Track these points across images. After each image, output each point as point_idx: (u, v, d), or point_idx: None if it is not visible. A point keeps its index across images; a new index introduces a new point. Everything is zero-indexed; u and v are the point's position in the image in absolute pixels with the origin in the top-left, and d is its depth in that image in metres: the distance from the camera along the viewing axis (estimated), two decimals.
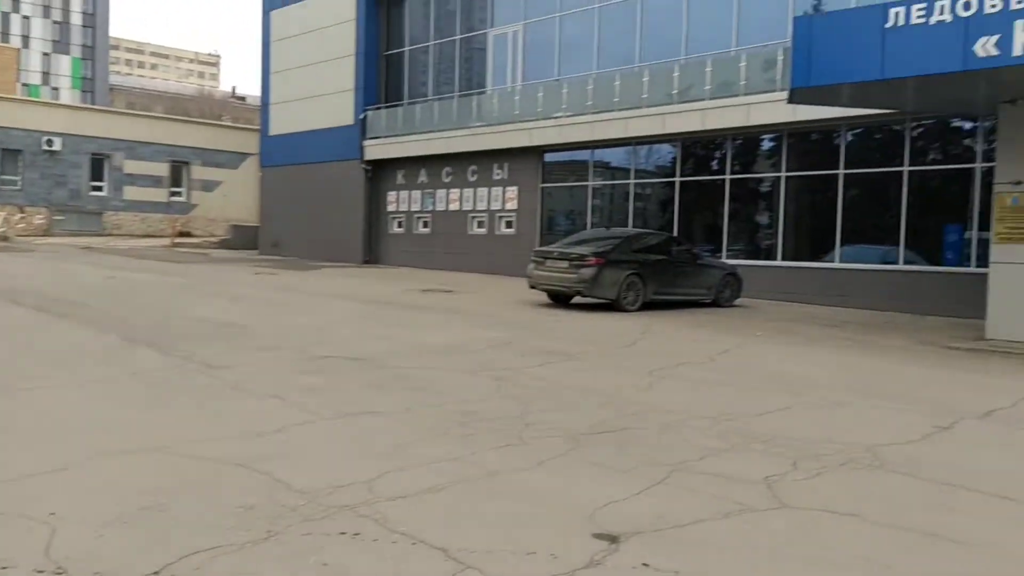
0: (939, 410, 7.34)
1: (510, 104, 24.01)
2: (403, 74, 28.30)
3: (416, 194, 27.31)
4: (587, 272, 14.59)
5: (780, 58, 17.44)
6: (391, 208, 28.18)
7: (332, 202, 28.90)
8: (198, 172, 41.70)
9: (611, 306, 14.83)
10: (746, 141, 19.53)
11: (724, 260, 18.54)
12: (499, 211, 24.64)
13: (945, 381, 9.23)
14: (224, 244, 35.74)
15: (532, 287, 15.63)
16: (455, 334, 11.40)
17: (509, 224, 24.44)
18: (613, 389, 7.83)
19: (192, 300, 14.73)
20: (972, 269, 15.37)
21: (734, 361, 9.93)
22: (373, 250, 28.51)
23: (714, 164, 20.21)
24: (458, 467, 5.07)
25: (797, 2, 17.95)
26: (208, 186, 41.84)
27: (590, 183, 22.79)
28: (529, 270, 15.65)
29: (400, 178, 27.79)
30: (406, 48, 28.13)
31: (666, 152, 21.18)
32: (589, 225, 22.35)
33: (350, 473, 4.82)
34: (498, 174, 24.65)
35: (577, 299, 15.46)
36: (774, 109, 16.98)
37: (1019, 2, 9.81)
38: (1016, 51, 9.86)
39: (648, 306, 15.12)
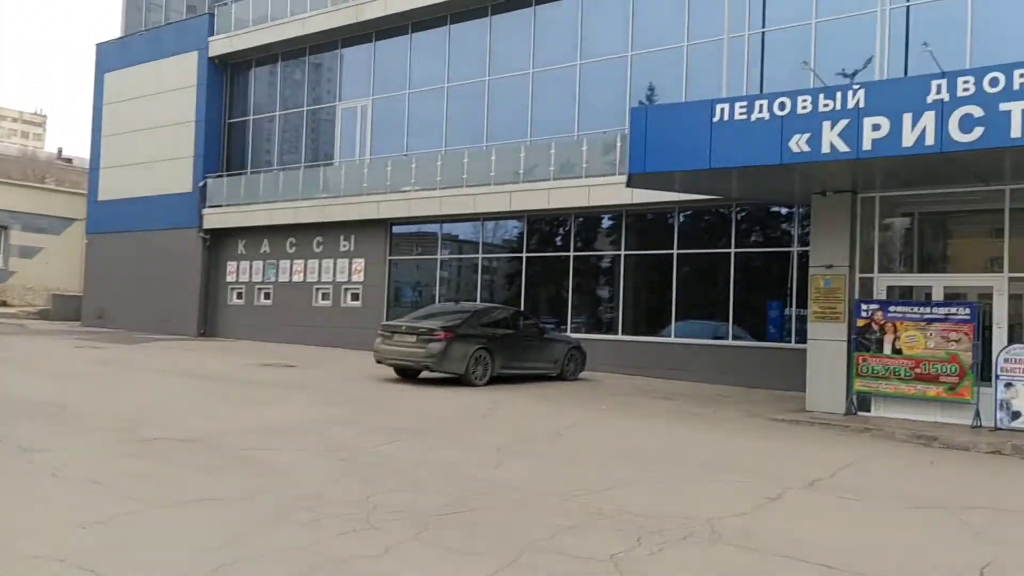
0: (768, 481, 7.75)
1: (358, 176, 23.98)
2: (247, 142, 27.74)
3: (258, 264, 26.53)
4: (436, 346, 14.56)
5: (619, 144, 18.47)
6: (230, 278, 27.18)
7: (166, 271, 27.55)
8: (17, 237, 38.74)
9: (459, 380, 14.83)
10: (588, 219, 20.37)
11: (568, 334, 19.04)
12: (345, 283, 24.30)
13: (772, 453, 9.77)
14: (43, 315, 33.18)
15: (379, 361, 15.40)
16: (298, 412, 11.01)
17: (355, 296, 24.14)
18: (462, 467, 7.77)
19: (5, 375, 13.50)
20: (792, 345, 16.53)
21: (580, 435, 10.12)
22: (209, 322, 27.29)
23: (558, 240, 20.90)
24: (303, 557, 4.84)
25: (633, 92, 19.11)
26: (27, 252, 38.88)
27: (438, 256, 22.96)
28: (376, 344, 15.45)
29: (241, 248, 26.95)
30: (250, 116, 27.65)
31: (513, 227, 21.73)
32: (437, 298, 22.44)
33: (182, 568, 4.49)
34: (345, 245, 24.40)
35: (425, 373, 15.37)
36: (614, 191, 17.85)
37: (826, 105, 10.89)
38: (824, 148, 10.89)
39: (496, 380, 15.23)
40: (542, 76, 20.70)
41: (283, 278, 25.81)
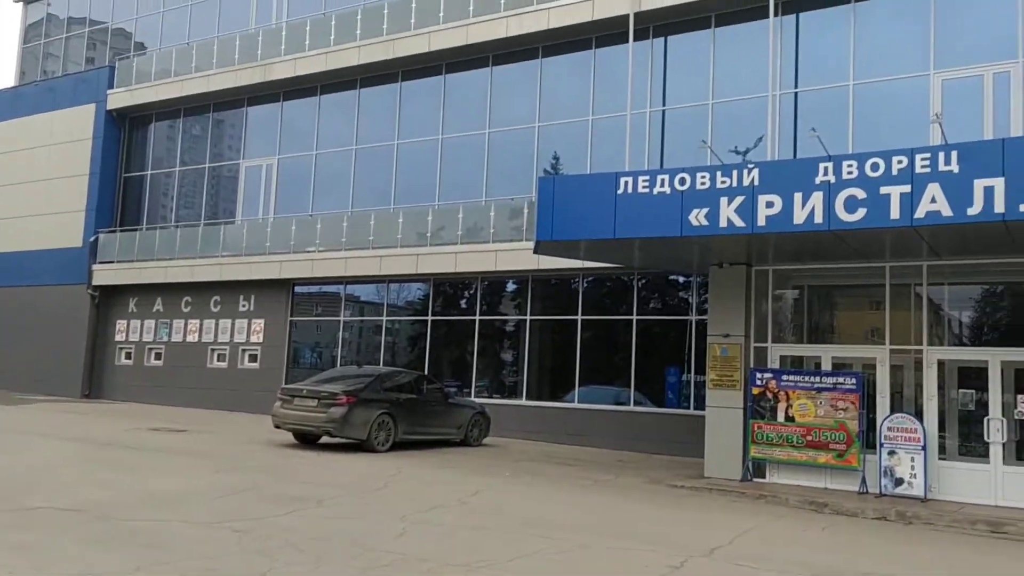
0: (671, 550, 7.83)
1: (261, 235, 23.54)
2: (143, 198, 26.90)
3: (150, 323, 25.50)
4: (337, 411, 14.24)
5: (526, 210, 18.81)
6: (120, 337, 25.99)
7: (51, 329, 26.13)
8: None
9: (361, 446, 14.51)
10: (494, 284, 20.53)
11: (473, 398, 18.96)
12: (243, 344, 23.60)
13: (674, 520, 9.90)
14: None
15: (277, 426, 14.93)
16: (190, 480, 10.52)
17: (253, 358, 23.44)
18: (365, 537, 7.56)
19: None
20: (690, 411, 16.92)
21: (485, 503, 10.01)
22: (95, 383, 25.93)
23: (464, 304, 20.95)
24: None
25: (540, 161, 19.56)
26: None
27: (341, 318, 22.63)
28: (275, 408, 14.99)
29: (133, 306, 25.88)
30: (148, 171, 26.89)
31: (418, 290, 21.67)
32: (339, 360, 22.05)
33: None
34: (244, 305, 23.77)
35: (325, 439, 14.98)
36: (520, 256, 18.08)
37: (723, 182, 11.42)
38: (722, 223, 11.38)
39: (399, 446, 14.97)
40: (451, 142, 20.99)
41: (176, 338, 24.86)
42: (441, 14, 20.73)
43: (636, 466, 14.91)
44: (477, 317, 20.36)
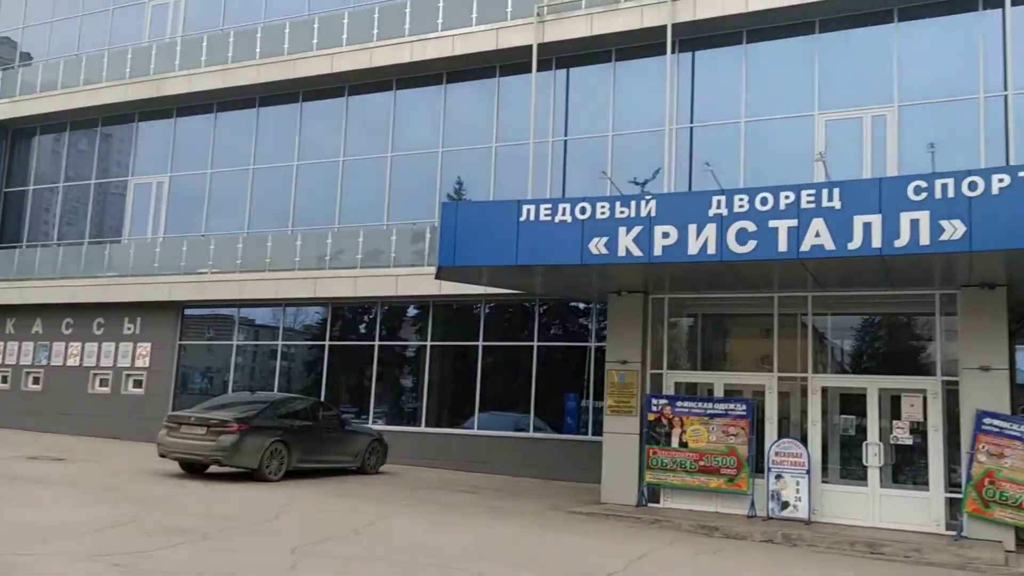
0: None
1: (149, 256, 22.62)
2: (24, 214, 25.50)
3: (28, 346, 24.07)
4: (227, 439, 13.73)
5: (428, 235, 18.74)
6: None
7: None
8: None
9: (252, 476, 14.02)
10: (394, 309, 20.31)
11: (371, 426, 18.65)
12: (127, 368, 22.54)
13: (572, 546, 9.93)
14: None
15: (163, 455, 14.27)
16: (68, 511, 9.91)
17: (138, 383, 22.42)
18: (253, 571, 7.27)
19: None
20: (588, 437, 17.10)
21: (380, 533, 9.81)
22: None
23: (363, 329, 20.63)
24: None
25: (444, 186, 19.55)
26: None
27: (234, 342, 21.92)
28: (160, 436, 14.34)
29: (10, 327, 24.39)
30: (30, 187, 25.54)
31: (316, 314, 21.23)
32: (231, 386, 21.32)
33: None
34: (129, 328, 22.73)
35: (214, 468, 14.42)
36: (422, 281, 17.97)
37: (622, 212, 11.67)
38: (621, 252, 11.61)
39: (293, 474, 14.55)
40: (353, 164, 20.76)
41: (56, 362, 23.54)
42: (344, 36, 20.56)
43: (535, 492, 14.93)
44: (377, 342, 20.08)
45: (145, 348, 22.47)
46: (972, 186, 9.92)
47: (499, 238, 12.44)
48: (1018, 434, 11.09)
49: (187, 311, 22.45)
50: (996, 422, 11.24)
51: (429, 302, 19.43)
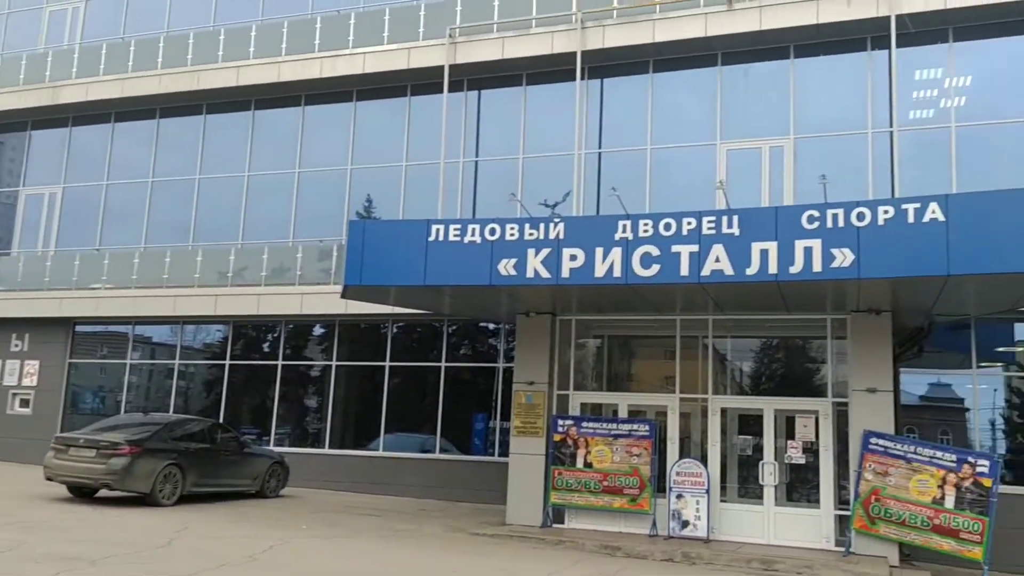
0: None
1: (40, 269, 21.53)
2: None
3: None
4: (118, 462, 13.13)
5: (335, 253, 18.47)
6: None
7: None
8: None
9: (145, 500, 13.45)
10: (299, 327, 19.89)
11: (271, 447, 18.17)
12: (13, 387, 21.34)
13: (472, 569, 9.87)
14: None
15: (50, 479, 13.53)
16: None
17: (25, 403, 21.23)
18: None
19: None
20: (496, 458, 17.08)
21: (278, 559, 9.54)
22: None
23: (266, 347, 20.12)
24: None
25: (352, 204, 19.32)
26: None
27: (128, 360, 21.04)
28: (47, 459, 13.61)
29: None
30: None
31: (216, 332, 20.60)
32: (124, 406, 20.43)
33: None
34: (16, 345, 21.55)
35: (104, 492, 13.77)
36: (328, 299, 17.65)
37: (531, 234, 11.79)
38: (529, 273, 11.72)
39: (188, 499, 14.01)
40: (258, 179, 20.29)
41: None
42: (252, 48, 20.17)
43: (439, 514, 14.80)
44: (280, 362, 19.60)
45: (33, 366, 21.33)
46: (860, 216, 10.44)
47: (407, 258, 12.38)
48: (901, 453, 11.64)
49: (78, 328, 21.45)
50: (882, 442, 11.78)
51: (335, 321, 19.12)
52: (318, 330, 19.90)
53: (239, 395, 20.15)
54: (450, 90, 18.18)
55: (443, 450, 18.00)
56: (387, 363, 18.69)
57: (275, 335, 19.96)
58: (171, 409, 19.78)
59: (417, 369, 18.68)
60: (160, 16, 21.79)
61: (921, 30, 15.31)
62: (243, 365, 20.06)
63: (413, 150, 19.02)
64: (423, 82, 18.80)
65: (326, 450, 18.75)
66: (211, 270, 19.90)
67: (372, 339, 19.15)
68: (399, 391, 18.74)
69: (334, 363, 19.20)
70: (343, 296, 13.59)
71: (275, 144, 20.38)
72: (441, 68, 18.15)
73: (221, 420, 18.56)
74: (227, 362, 20.03)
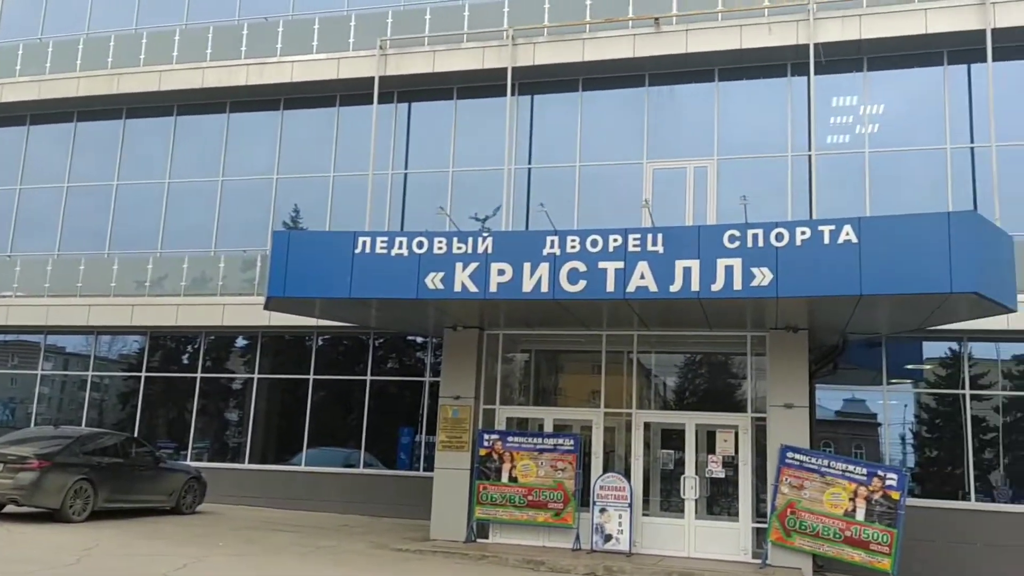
0: None
1: None
2: None
3: None
4: (26, 477, 12.57)
5: (259, 263, 18.11)
6: None
7: None
8: None
9: (53, 516, 12.90)
10: (221, 339, 19.39)
11: (188, 463, 17.64)
12: None
13: None
14: None
15: None
16: None
17: None
18: None
19: None
20: (421, 472, 16.93)
21: None
22: None
23: (185, 359, 19.56)
24: None
25: (278, 214, 18.98)
26: None
27: (40, 371, 20.20)
28: None
29: None
30: None
31: (133, 343, 19.94)
32: (34, 419, 19.59)
33: None
34: None
35: (11, 508, 13.15)
36: (251, 311, 17.29)
37: (459, 248, 11.78)
38: (457, 287, 11.70)
39: (100, 515, 13.48)
40: (180, 187, 19.76)
41: None
42: (175, 53, 19.71)
43: (362, 530, 14.58)
44: (199, 374, 19.07)
45: None
46: (779, 237, 10.76)
47: (333, 270, 12.22)
48: (815, 467, 11.99)
49: None
50: (797, 456, 12.11)
51: (258, 333, 18.72)
52: (240, 342, 19.45)
53: (155, 408, 19.54)
54: (380, 102, 18.08)
55: (367, 464, 17.77)
56: (311, 376, 18.38)
57: (195, 347, 19.42)
58: (84, 422, 19.05)
59: (342, 382, 18.41)
60: (80, 18, 21.11)
61: (838, 59, 15.92)
62: (160, 377, 19.46)
63: (341, 161, 18.82)
64: (353, 93, 18.65)
65: (246, 465, 18.30)
66: (128, 279, 19.28)
67: (296, 352, 18.80)
68: (323, 405, 18.44)
69: (256, 376, 18.78)
70: (266, 308, 13.33)
71: (198, 151, 19.90)
72: (371, 79, 18.04)
73: (136, 434, 18.01)
74: (143, 374, 19.40)
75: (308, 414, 18.21)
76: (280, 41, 19.06)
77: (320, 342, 18.71)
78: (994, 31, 15.01)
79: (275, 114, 19.48)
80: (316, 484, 17.68)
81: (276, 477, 17.96)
